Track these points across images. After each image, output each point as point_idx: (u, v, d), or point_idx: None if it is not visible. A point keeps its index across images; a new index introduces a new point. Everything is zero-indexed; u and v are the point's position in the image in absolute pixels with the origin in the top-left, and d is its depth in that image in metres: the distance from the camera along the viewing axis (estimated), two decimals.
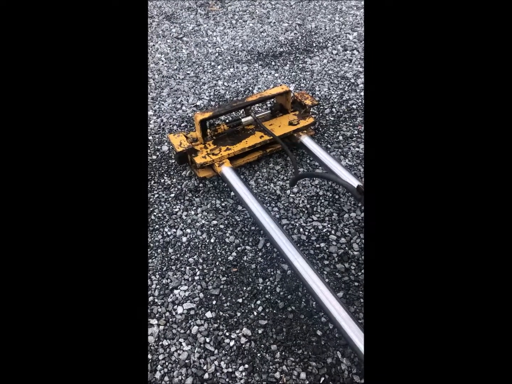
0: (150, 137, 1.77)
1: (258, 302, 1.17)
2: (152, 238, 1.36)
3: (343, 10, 2.66)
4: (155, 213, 1.44)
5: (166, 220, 1.42)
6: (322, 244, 1.32)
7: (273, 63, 2.22)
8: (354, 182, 1.33)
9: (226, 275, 1.25)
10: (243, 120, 1.59)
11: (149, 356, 1.07)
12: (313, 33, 2.45)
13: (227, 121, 1.61)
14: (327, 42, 2.35)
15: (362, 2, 2.72)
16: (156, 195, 1.51)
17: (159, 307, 1.17)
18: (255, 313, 1.15)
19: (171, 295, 1.20)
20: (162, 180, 1.57)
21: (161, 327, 1.13)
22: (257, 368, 1.04)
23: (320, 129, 1.76)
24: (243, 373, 1.03)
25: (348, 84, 2.02)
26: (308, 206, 1.44)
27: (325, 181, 1.52)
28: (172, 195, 1.51)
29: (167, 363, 1.06)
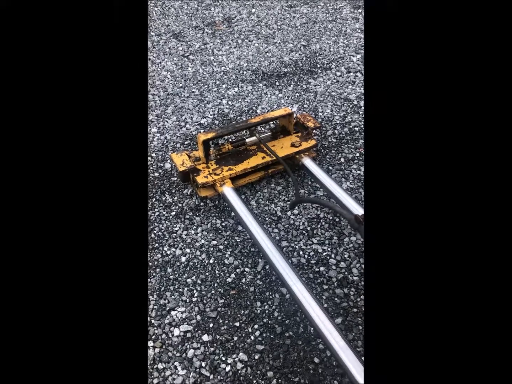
0: (153, 154, 1.79)
1: (256, 326, 1.16)
2: (151, 257, 1.36)
3: (347, 32, 2.71)
4: (155, 231, 1.44)
5: (166, 239, 1.42)
6: (322, 268, 1.31)
7: (277, 83, 2.25)
8: (354, 206, 1.33)
9: (224, 297, 1.24)
10: (247, 140, 1.60)
11: None
12: (317, 55, 2.49)
13: (230, 140, 1.63)
14: (331, 64, 2.39)
15: None
16: (157, 213, 1.51)
17: (155, 328, 1.16)
18: (252, 338, 1.14)
19: (168, 316, 1.20)
20: (164, 198, 1.57)
21: (157, 350, 1.12)
22: None
23: (322, 151, 1.77)
24: None
25: (351, 106, 2.04)
26: (308, 228, 1.44)
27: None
28: (173, 213, 1.51)
29: None
